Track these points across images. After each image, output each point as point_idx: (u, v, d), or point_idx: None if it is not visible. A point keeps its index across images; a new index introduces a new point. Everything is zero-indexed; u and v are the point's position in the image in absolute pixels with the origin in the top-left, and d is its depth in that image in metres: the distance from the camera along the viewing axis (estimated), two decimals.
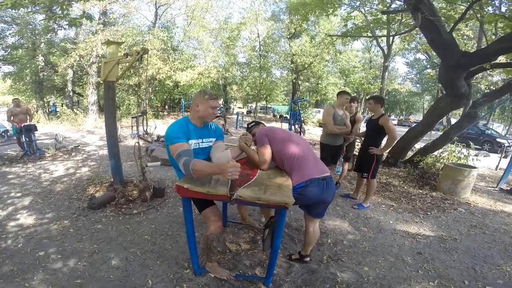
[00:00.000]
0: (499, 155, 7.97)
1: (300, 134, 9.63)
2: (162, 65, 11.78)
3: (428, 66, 16.18)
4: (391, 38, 7.10)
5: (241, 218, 2.78)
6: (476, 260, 2.41)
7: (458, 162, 4.73)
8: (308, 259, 2.16)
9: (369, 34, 7.18)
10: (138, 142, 3.70)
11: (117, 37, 10.67)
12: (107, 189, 3.71)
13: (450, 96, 4.62)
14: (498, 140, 11.81)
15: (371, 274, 2.14)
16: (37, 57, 13.65)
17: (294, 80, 16.24)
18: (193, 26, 13.58)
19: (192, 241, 1.80)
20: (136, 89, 13.19)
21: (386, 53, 6.97)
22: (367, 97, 22.57)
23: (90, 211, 2.98)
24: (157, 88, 15.07)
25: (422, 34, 7.33)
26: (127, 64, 3.42)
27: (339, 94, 3.65)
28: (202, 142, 1.87)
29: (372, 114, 3.44)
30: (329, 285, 1.98)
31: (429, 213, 3.45)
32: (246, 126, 2.33)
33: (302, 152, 1.93)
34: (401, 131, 15.53)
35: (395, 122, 28.19)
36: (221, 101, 21.06)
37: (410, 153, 6.25)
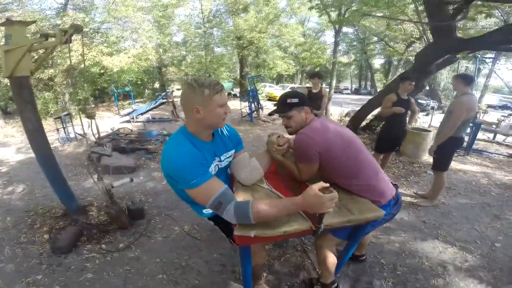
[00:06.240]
0: (423, 114, 9.47)
1: (259, 112, 9.49)
2: (86, 50, 9.62)
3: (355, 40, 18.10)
4: (342, 13, 7.22)
5: None
6: (471, 221, 2.76)
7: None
8: (364, 257, 2.10)
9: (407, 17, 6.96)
10: (92, 158, 2.90)
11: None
12: (63, 222, 2.86)
13: (420, 71, 5.05)
14: (419, 101, 14.00)
15: (404, 248, 2.28)
16: None
17: (241, 56, 15.55)
18: (118, 5, 11.26)
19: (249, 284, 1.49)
20: (51, 83, 10.51)
21: (337, 29, 7.30)
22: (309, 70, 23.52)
23: (60, 257, 2.25)
24: (77, 79, 12.40)
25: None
26: (46, 50, 2.38)
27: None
28: (221, 161, 1.38)
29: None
30: (378, 269, 2.03)
31: (409, 179, 3.83)
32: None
33: (372, 160, 1.51)
34: (337, 97, 16.95)
35: (329, 90, 30.68)
36: (157, 85, 18.93)
37: (366, 121, 6.79)
